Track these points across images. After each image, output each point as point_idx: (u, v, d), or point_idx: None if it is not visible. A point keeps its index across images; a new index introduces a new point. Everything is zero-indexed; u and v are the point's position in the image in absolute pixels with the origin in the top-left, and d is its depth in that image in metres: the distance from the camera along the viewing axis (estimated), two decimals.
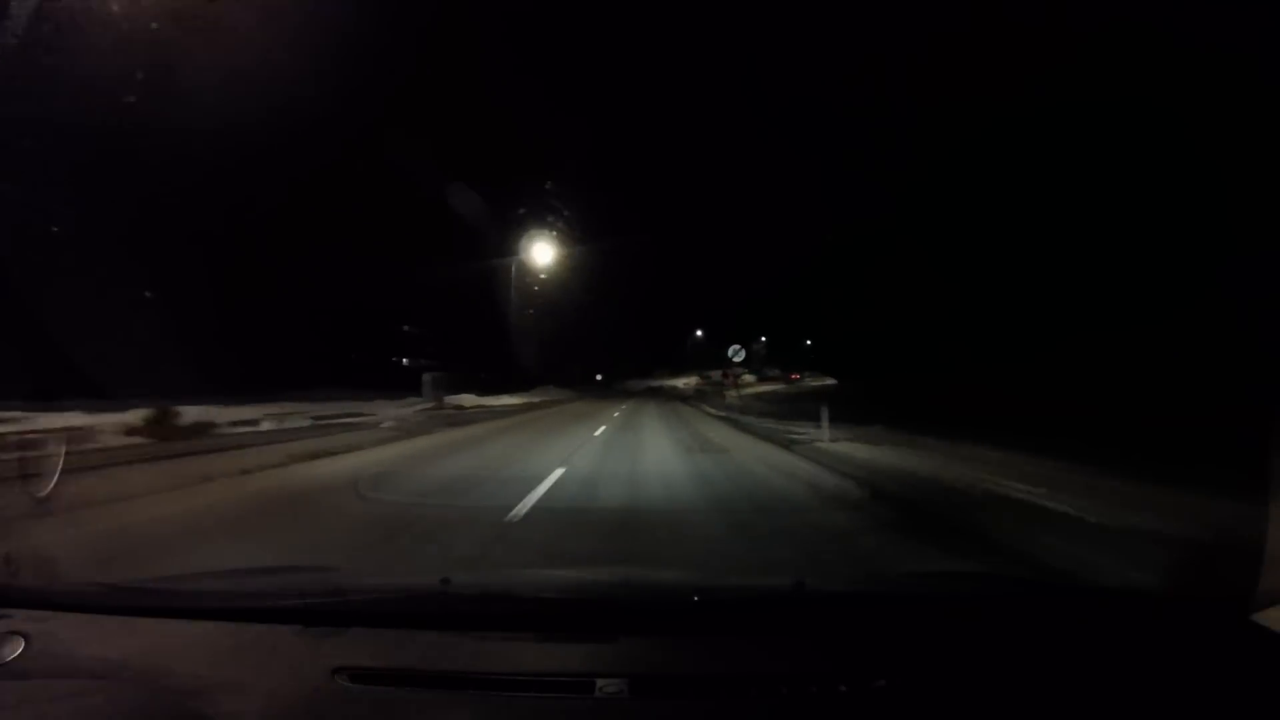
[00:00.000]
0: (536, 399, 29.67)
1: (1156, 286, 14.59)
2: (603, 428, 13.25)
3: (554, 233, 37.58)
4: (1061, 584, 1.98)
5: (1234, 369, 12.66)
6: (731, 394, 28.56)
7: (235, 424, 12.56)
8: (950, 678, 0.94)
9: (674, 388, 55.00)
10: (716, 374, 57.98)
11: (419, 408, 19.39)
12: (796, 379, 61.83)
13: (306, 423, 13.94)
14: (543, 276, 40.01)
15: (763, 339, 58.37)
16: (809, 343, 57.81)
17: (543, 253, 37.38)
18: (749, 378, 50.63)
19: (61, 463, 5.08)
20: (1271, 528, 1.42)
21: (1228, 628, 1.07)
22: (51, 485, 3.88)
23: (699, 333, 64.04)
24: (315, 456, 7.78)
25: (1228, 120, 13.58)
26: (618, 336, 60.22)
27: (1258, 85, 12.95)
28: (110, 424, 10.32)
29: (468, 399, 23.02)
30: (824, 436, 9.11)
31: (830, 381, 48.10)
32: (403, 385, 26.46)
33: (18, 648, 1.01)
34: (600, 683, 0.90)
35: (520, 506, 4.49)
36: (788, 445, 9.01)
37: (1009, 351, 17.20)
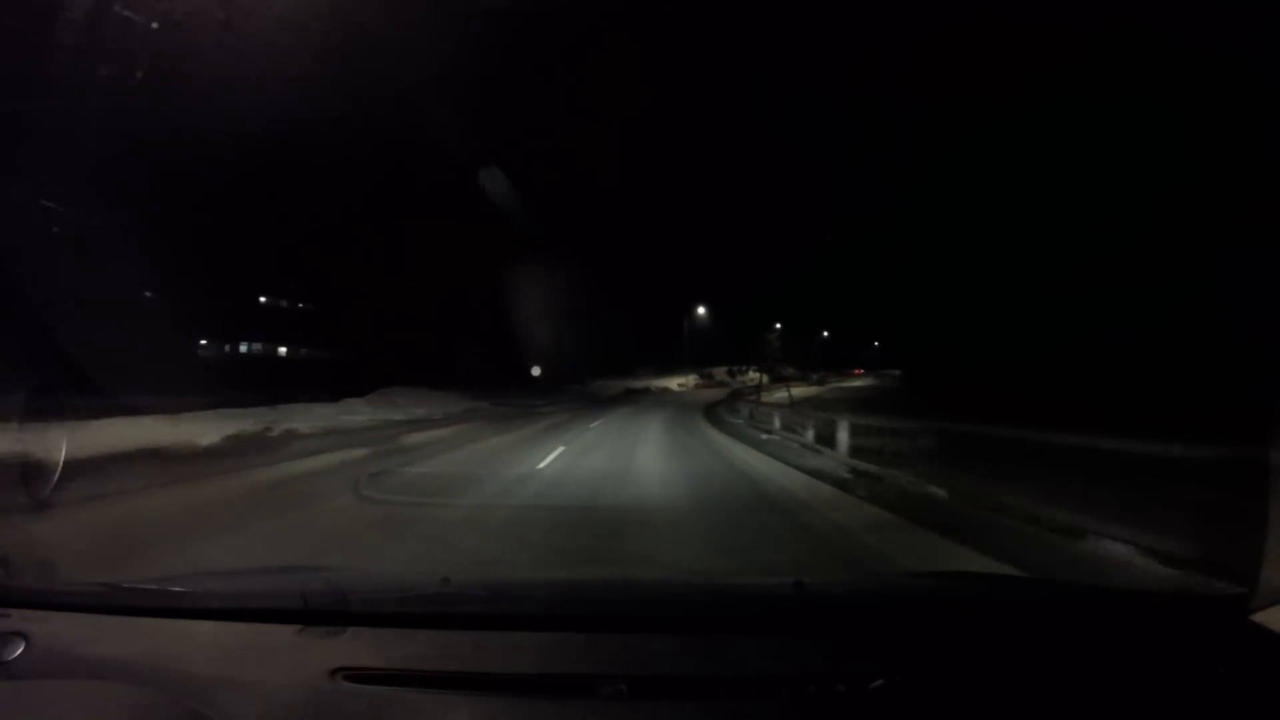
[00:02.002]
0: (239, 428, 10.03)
1: (1157, 284, 14.70)
2: None
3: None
4: (1061, 584, 2.01)
5: (1236, 368, 12.82)
6: (777, 396, 22.07)
7: None
8: (949, 678, 0.96)
9: (665, 389, 41.03)
10: (720, 371, 49.12)
11: None
12: (860, 373, 52.05)
13: None
14: None
15: (777, 326, 44.69)
16: (825, 334, 49.97)
17: None
18: (754, 375, 42.71)
19: None
20: (1271, 527, 1.41)
21: (1228, 628, 1.08)
22: None
23: (700, 310, 45.27)
24: None
25: (1227, 119, 13.65)
26: (588, 324, 40.19)
27: (1258, 85, 13.01)
28: None
29: None
30: None
31: (867, 381, 44.38)
32: None
33: (18, 648, 1.02)
34: (600, 683, 0.92)
35: None
36: None
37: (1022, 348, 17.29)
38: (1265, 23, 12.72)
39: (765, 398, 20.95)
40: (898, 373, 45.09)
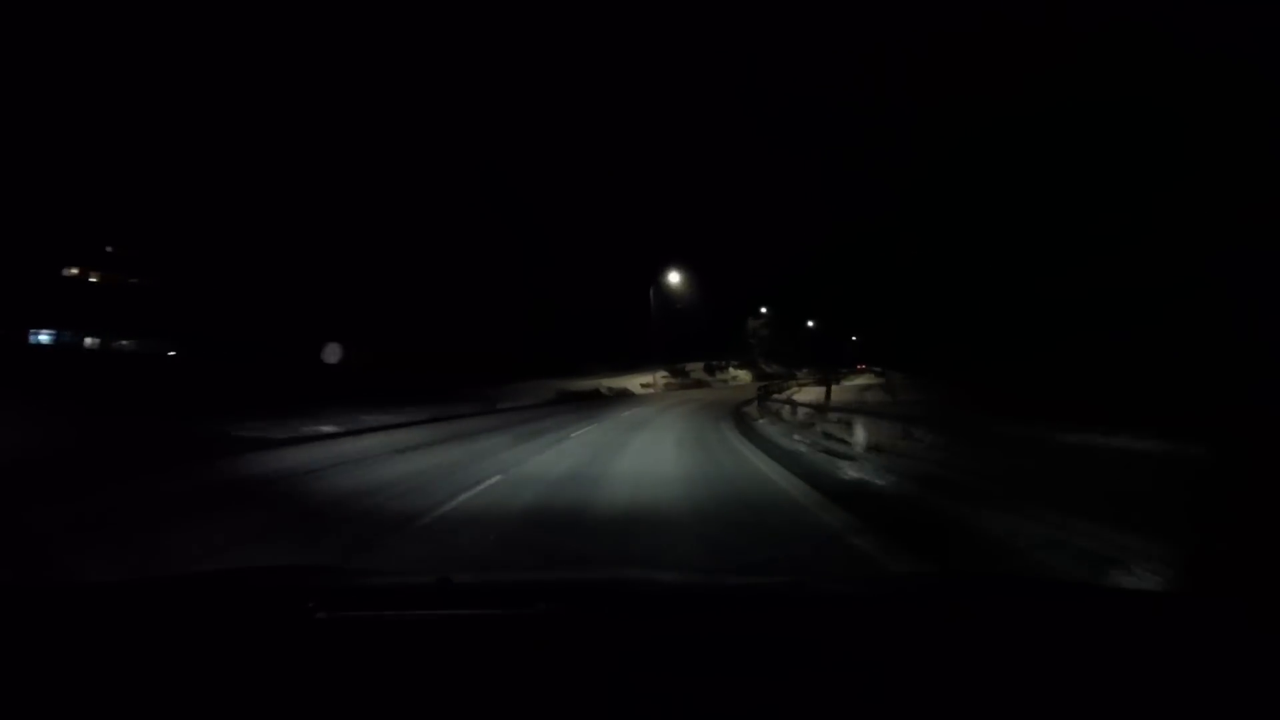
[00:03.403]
0: None
1: (1157, 284, 15.22)
2: None
3: None
4: (1062, 583, 2.05)
5: (1237, 369, 13.46)
6: (805, 395, 16.04)
7: None
8: (950, 678, 0.96)
9: (623, 391, 29.89)
10: (697, 367, 39.86)
11: None
12: (863, 369, 43.59)
13: None
14: None
15: (763, 310, 38.93)
16: (810, 324, 44.26)
17: None
18: (736, 372, 36.63)
19: None
20: (1271, 529, 1.58)
21: (1231, 627, 1.11)
22: None
23: (673, 277, 32.66)
24: None
25: (1227, 119, 14.14)
26: (518, 309, 31.75)
27: (1258, 85, 13.50)
28: None
29: None
30: None
31: (870, 379, 36.67)
32: None
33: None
34: (601, 682, 0.95)
35: None
36: None
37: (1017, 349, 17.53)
38: (1265, 23, 13.32)
39: (792, 396, 16.36)
40: (879, 370, 40.31)
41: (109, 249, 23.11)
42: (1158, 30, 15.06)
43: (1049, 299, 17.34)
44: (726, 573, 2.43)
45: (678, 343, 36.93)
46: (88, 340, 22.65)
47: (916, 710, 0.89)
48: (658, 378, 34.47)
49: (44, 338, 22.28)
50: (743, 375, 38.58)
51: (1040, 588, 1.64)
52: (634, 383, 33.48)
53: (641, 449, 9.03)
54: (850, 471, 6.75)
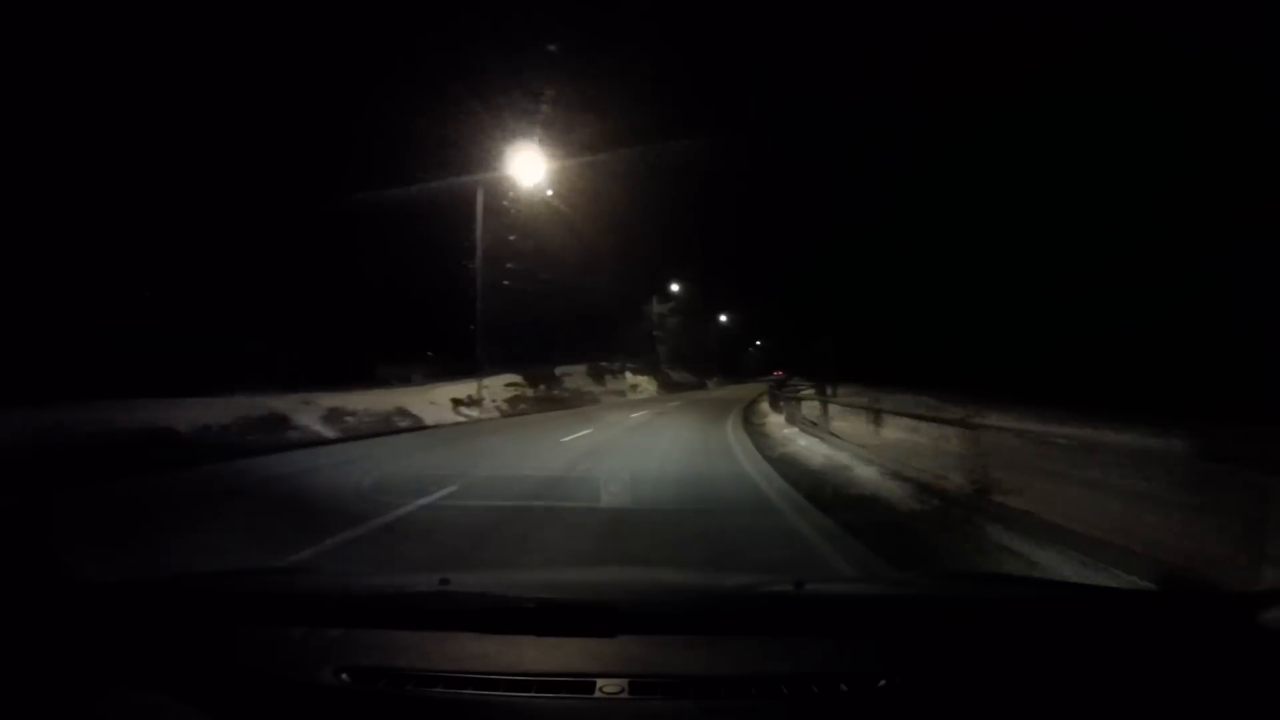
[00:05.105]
0: None
1: (1157, 283, 14.87)
2: None
3: None
4: (1063, 584, 2.14)
5: (1234, 369, 13.57)
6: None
7: None
8: (952, 678, 0.99)
9: (398, 413, 12.71)
10: (578, 370, 24.67)
11: None
12: (781, 375, 36.12)
13: None
14: None
15: (673, 288, 33.51)
16: (723, 319, 40.61)
17: None
18: (635, 378, 27.18)
19: None
20: (1271, 527, 1.54)
21: (1229, 627, 1.12)
22: None
23: (527, 177, 17.67)
24: None
25: (1227, 119, 14.12)
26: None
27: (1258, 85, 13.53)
28: None
29: None
30: None
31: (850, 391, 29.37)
32: None
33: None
34: (600, 683, 0.95)
35: None
36: None
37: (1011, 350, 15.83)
38: (1265, 23, 13.77)
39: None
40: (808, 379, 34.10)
41: None
42: (1158, 30, 14.75)
43: (1049, 298, 16.09)
44: (728, 573, 2.44)
45: (554, 337, 25.04)
46: None
47: (919, 710, 0.91)
48: (495, 385, 18.50)
49: None
50: (645, 383, 28.25)
51: (1041, 588, 1.69)
52: (442, 395, 16.78)
53: None
54: None
